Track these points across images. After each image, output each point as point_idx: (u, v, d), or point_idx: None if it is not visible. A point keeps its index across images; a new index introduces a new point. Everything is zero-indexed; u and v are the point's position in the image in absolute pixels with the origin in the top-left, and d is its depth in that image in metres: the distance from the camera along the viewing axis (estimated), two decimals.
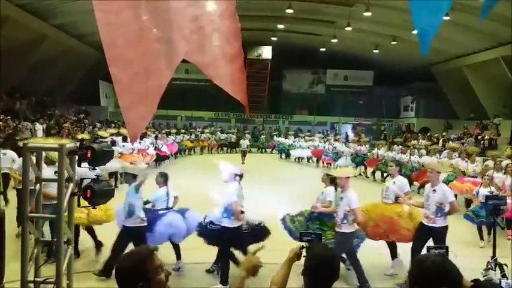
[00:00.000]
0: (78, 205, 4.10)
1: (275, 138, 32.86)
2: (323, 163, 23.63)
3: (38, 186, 3.82)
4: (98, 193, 3.87)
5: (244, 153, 23.91)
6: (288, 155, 27.68)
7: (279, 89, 38.97)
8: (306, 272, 2.46)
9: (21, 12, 20.18)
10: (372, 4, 21.60)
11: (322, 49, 33.14)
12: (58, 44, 24.67)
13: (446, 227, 6.16)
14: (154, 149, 19.07)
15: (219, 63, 2.21)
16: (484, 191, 8.71)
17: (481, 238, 8.71)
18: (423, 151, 17.84)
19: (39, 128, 21.05)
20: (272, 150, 31.61)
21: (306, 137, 27.82)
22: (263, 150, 32.94)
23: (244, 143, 24.92)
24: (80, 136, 15.87)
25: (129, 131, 2.29)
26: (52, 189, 6.42)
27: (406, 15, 19.65)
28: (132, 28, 2.09)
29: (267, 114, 38.06)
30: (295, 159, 26.54)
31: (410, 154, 16.97)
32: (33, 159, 3.88)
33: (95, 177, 4.01)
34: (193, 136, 29.89)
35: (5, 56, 19.78)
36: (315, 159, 25.31)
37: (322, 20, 27.29)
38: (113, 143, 14.09)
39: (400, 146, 20.17)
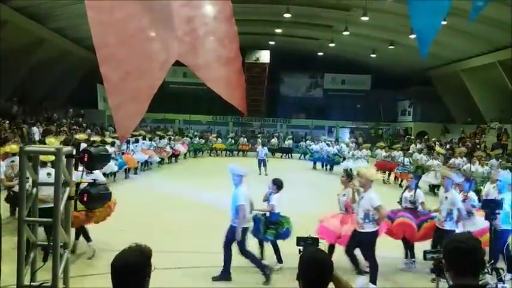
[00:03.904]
0: (75, 209, 4.08)
1: (305, 143, 29.79)
2: (397, 179, 17.75)
3: (34, 190, 3.81)
4: (94, 197, 3.86)
5: (264, 163, 20.04)
6: (331, 167, 22.20)
7: (277, 93, 39.04)
8: (300, 276, 2.47)
9: (19, 16, 20.17)
10: (370, 9, 21.68)
11: (320, 53, 33.20)
12: (56, 48, 24.66)
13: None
14: (170, 148, 23.12)
15: (212, 65, 2.19)
16: None
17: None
18: None
19: (36, 131, 21.01)
20: (290, 155, 29.89)
21: (363, 145, 21.78)
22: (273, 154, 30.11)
23: (262, 150, 20.58)
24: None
25: (118, 130, 2.28)
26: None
27: (404, 20, 19.82)
28: (124, 27, 2.08)
29: (264, 118, 38.06)
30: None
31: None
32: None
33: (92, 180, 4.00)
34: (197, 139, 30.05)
35: (2, 60, 19.76)
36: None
37: (320, 25, 27.36)
38: (137, 140, 18.97)
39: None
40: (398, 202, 7.86)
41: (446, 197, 6.90)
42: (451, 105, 32.11)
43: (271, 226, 6.96)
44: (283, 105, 39.47)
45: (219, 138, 31.01)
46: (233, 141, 30.84)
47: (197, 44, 2.16)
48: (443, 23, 16.24)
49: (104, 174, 14.89)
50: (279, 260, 7.03)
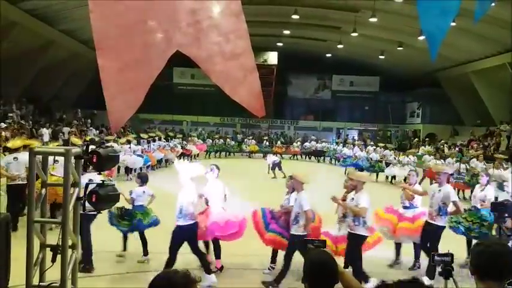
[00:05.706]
0: (83, 210, 4.10)
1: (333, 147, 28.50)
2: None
3: (44, 190, 3.84)
4: (103, 198, 3.87)
5: (279, 167, 18.89)
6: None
7: (285, 95, 39.00)
8: (305, 278, 2.46)
9: (29, 17, 20.33)
10: (378, 10, 21.59)
11: (328, 55, 33.13)
12: (65, 50, 24.83)
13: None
14: (181, 148, 25.13)
15: (215, 59, 2.16)
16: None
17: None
18: None
19: (45, 132, 21.19)
20: (307, 157, 29.77)
21: (409, 151, 19.70)
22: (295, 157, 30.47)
23: (270, 157, 19.98)
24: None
25: (111, 121, 2.23)
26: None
27: (412, 21, 19.71)
28: (125, 20, 2.07)
29: (272, 120, 38.05)
30: (390, 179, 18.76)
31: None
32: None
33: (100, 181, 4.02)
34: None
35: (12, 61, 19.94)
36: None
37: (328, 26, 27.32)
38: (154, 140, 22.21)
39: None
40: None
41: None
42: (460, 107, 31.89)
43: (126, 218, 7.08)
44: (291, 106, 39.46)
45: (252, 140, 32.20)
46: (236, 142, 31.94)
47: (200, 36, 2.14)
48: (453, 24, 16.14)
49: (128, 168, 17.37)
50: (145, 253, 7.14)
